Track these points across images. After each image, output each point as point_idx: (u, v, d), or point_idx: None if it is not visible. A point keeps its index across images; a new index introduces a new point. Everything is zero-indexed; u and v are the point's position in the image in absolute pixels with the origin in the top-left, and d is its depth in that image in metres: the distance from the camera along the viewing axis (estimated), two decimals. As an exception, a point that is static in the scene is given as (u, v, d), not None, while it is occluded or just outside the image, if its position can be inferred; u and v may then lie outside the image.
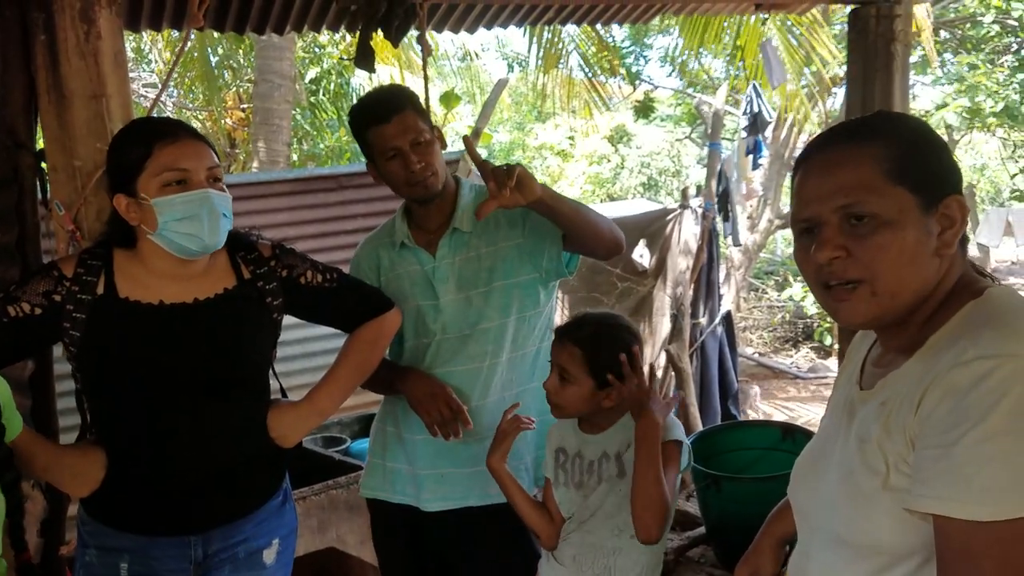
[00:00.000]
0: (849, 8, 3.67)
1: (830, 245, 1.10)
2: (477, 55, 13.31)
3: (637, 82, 12.96)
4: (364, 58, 2.76)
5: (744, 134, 5.87)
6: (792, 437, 2.18)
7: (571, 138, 17.82)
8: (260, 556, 1.87)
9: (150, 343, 1.72)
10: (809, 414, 7.97)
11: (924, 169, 1.11)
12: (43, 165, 2.46)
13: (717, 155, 5.16)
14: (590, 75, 9.38)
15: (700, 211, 4.86)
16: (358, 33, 2.78)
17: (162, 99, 10.91)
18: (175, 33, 3.31)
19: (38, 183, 2.49)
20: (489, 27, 3.73)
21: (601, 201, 16.08)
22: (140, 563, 1.76)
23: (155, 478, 1.75)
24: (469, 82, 13.77)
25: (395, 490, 2.27)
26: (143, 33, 3.46)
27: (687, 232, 4.84)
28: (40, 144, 2.48)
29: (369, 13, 2.63)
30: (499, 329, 2.18)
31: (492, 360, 2.18)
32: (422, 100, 2.40)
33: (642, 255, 5.29)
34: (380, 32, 2.73)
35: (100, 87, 2.35)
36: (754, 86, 6.15)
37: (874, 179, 1.09)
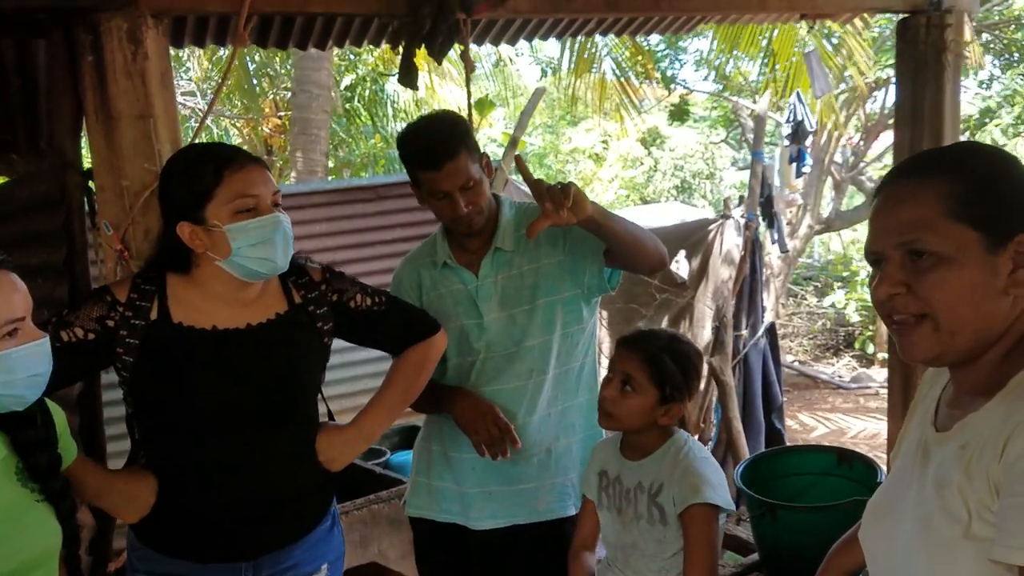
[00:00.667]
0: (898, 17, 3.58)
1: (888, 281, 1.10)
2: (511, 60, 13.30)
3: (672, 85, 12.85)
4: (407, 75, 2.74)
5: (787, 142, 5.77)
6: (848, 463, 2.12)
7: (604, 141, 17.74)
8: None
9: (203, 369, 1.71)
10: (853, 427, 7.82)
11: (992, 206, 1.07)
12: (91, 185, 2.49)
13: (760, 163, 5.08)
14: (623, 79, 9.31)
15: (743, 221, 4.79)
16: (401, 49, 2.75)
17: (198, 107, 11.05)
18: (194, 47, 3.32)
19: (86, 202, 2.52)
20: (530, 39, 3.70)
21: (634, 204, 15.99)
22: None
23: (205, 505, 1.74)
24: (502, 86, 13.77)
25: (441, 509, 2.26)
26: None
27: (729, 242, 4.77)
28: (87, 164, 2.50)
29: (413, 30, 2.61)
30: (544, 346, 2.17)
31: (538, 377, 2.17)
32: (463, 114, 2.39)
33: (676, 263, 5.24)
34: (424, 48, 2.70)
35: (147, 107, 2.36)
36: (797, 94, 6.05)
37: (934, 216, 1.07)
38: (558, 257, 2.17)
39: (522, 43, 3.83)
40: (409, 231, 5.38)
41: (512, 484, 2.18)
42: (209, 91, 11.70)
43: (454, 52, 3.02)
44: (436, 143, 2.05)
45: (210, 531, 1.74)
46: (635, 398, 1.86)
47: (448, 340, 2.18)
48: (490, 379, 2.18)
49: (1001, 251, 1.06)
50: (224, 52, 10.33)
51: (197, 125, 8.62)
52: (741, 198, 5.05)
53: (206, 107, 11.44)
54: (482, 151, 2.14)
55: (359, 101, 13.08)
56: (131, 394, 1.77)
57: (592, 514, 2.04)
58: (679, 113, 13.48)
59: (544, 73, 14.14)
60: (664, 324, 4.91)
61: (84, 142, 2.63)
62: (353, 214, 5.64)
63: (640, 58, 9.48)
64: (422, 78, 9.53)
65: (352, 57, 12.53)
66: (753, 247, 4.81)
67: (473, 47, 3.23)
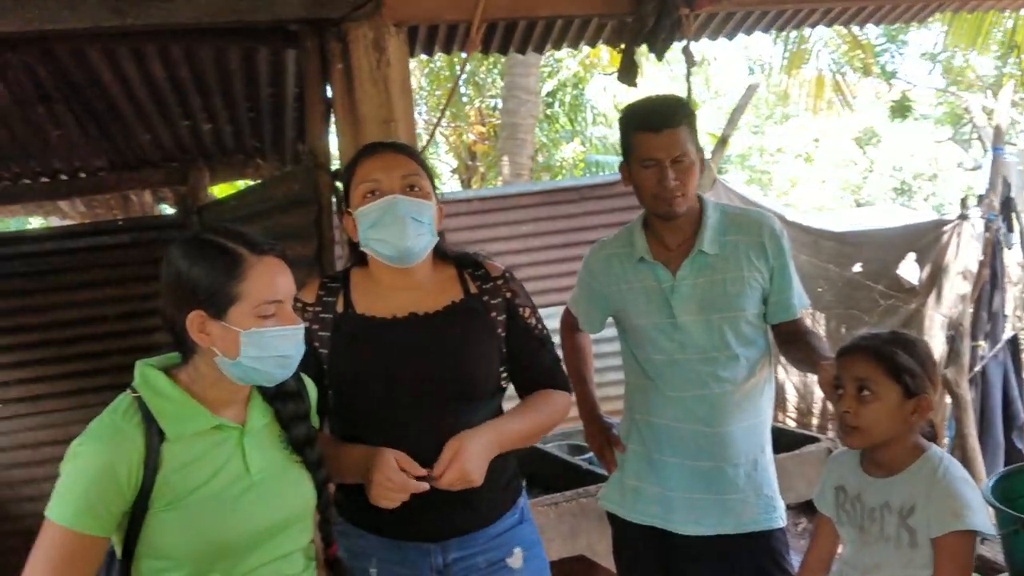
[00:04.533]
0: None
1: None
2: (715, 58, 13.00)
3: (892, 81, 12.01)
4: (628, 73, 2.76)
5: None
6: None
7: (815, 140, 16.87)
8: (504, 563, 1.86)
9: (385, 355, 1.78)
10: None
11: None
12: (338, 184, 2.70)
13: (1001, 160, 4.61)
14: (839, 74, 8.82)
15: (982, 222, 4.37)
16: (622, 48, 2.77)
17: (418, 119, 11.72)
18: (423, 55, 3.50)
19: (334, 201, 2.73)
20: (749, 32, 3.61)
21: (847, 208, 15.09)
22: (387, 565, 1.82)
23: None
24: (705, 85, 13.48)
25: (636, 510, 2.24)
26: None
27: (966, 245, 4.37)
28: (336, 165, 2.72)
29: (635, 28, 2.62)
30: (736, 356, 2.11)
31: (730, 387, 2.11)
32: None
33: (901, 268, 4.88)
34: (645, 46, 2.71)
35: (389, 112, 2.54)
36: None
37: None
38: (760, 272, 2.12)
39: (722, 41, 3.73)
40: (611, 232, 5.40)
41: (719, 493, 2.13)
42: (421, 101, 12.37)
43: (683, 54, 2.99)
44: (661, 108, 2.06)
45: (400, 511, 1.75)
46: (876, 402, 1.71)
47: (635, 337, 2.18)
48: (677, 385, 2.14)
49: None
50: (437, 63, 10.93)
51: (427, 133, 9.11)
52: (980, 198, 4.62)
53: (421, 115, 12.12)
54: (701, 146, 2.12)
55: (559, 106, 13.29)
56: (329, 385, 1.84)
57: (829, 534, 1.92)
58: (900, 110, 12.56)
59: (751, 71, 13.69)
60: (889, 333, 4.58)
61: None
62: (558, 215, 5.74)
63: (858, 52, 8.93)
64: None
65: (553, 63, 12.76)
66: (994, 250, 4.37)
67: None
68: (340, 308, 1.82)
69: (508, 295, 1.87)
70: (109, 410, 1.39)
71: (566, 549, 3.40)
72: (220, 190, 6.98)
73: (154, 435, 1.36)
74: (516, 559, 1.87)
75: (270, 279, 1.42)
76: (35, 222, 10.54)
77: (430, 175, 1.83)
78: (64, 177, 4.83)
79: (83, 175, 4.84)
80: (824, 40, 8.46)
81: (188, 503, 1.36)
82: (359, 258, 1.87)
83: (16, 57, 3.04)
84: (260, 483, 1.45)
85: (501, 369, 1.88)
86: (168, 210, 6.12)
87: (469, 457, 1.66)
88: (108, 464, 1.31)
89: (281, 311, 1.44)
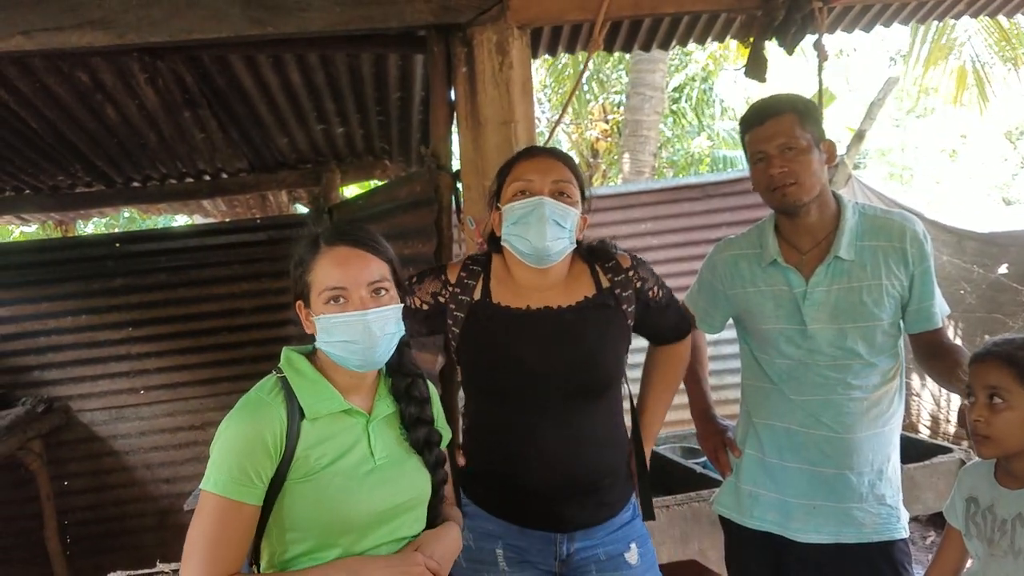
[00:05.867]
0: None
1: None
2: (855, 50, 12.41)
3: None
4: (756, 67, 2.67)
5: None
6: None
7: (962, 136, 15.84)
8: (623, 558, 1.90)
9: (518, 346, 1.84)
10: None
11: None
12: (458, 185, 2.76)
13: None
14: (986, 67, 8.24)
15: None
16: (750, 43, 2.69)
17: (537, 116, 11.77)
18: (546, 55, 3.51)
19: (454, 201, 2.79)
20: (887, 25, 3.43)
21: (994, 206, 14.11)
22: (513, 550, 1.88)
23: (519, 472, 1.85)
24: (844, 78, 12.90)
25: (752, 515, 2.18)
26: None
27: None
28: (456, 166, 2.78)
29: (765, 22, 2.54)
30: (869, 364, 2.03)
31: (859, 394, 2.03)
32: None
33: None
34: (775, 40, 2.62)
35: (510, 114, 2.57)
36: None
37: None
38: (900, 281, 2.02)
39: (858, 33, 3.55)
40: (735, 230, 5.26)
41: (840, 501, 2.06)
42: (545, 99, 12.42)
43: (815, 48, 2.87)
44: (767, 102, 2.03)
45: (525, 498, 1.86)
46: (1009, 410, 1.65)
47: (760, 340, 2.13)
48: (806, 390, 2.07)
49: None
50: (562, 61, 10.95)
51: (549, 130, 9.16)
52: None
53: (545, 114, 12.17)
54: (826, 136, 2.02)
55: (686, 101, 13.04)
56: (459, 362, 1.95)
57: (956, 547, 1.85)
58: (1058, 101, 11.61)
59: (893, 62, 12.99)
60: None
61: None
62: (679, 213, 5.65)
63: (1008, 43, 8.32)
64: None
65: (683, 57, 12.53)
66: None
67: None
68: (478, 295, 1.90)
69: (638, 284, 1.93)
70: (256, 388, 1.51)
71: (677, 553, 3.34)
72: (353, 190, 7.25)
73: (296, 411, 1.47)
74: (632, 555, 1.91)
75: (331, 268, 1.50)
76: (181, 220, 11.29)
77: (582, 186, 1.89)
78: (207, 178, 5.14)
79: (225, 176, 5.14)
80: (969, 31, 7.92)
81: (320, 477, 1.46)
82: (497, 247, 1.94)
83: (165, 65, 3.26)
84: (382, 467, 1.53)
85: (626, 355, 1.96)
86: (302, 209, 6.41)
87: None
88: (257, 433, 1.42)
89: (347, 297, 1.50)
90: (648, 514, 1.98)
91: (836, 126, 13.30)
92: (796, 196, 1.98)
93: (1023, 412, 1.64)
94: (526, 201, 1.81)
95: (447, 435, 1.73)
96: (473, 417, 1.95)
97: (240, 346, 4.90)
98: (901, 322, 2.06)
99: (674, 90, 12.82)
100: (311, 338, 1.55)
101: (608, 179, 12.69)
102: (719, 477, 2.33)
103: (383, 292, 1.52)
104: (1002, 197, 15.20)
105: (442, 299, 1.91)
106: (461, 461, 1.91)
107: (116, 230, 12.35)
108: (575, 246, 1.87)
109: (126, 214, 11.27)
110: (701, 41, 3.36)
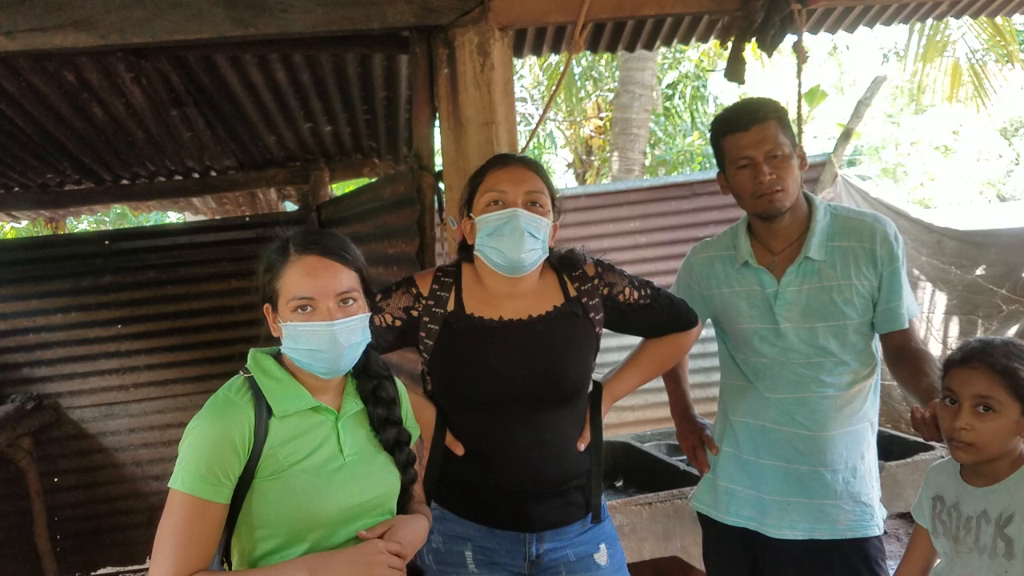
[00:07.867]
0: None
1: None
2: (848, 47, 12.43)
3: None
4: (735, 69, 2.70)
5: None
6: None
7: (955, 133, 15.87)
8: (592, 558, 1.93)
9: (492, 356, 1.86)
10: None
11: None
12: (440, 185, 2.78)
13: None
14: (980, 63, 8.25)
15: None
16: (730, 44, 2.71)
17: (528, 113, 11.76)
18: (531, 55, 3.53)
19: (436, 201, 2.81)
20: (871, 26, 3.45)
21: (989, 203, 14.15)
22: (482, 551, 1.91)
23: (493, 477, 1.88)
24: (839, 75, 12.91)
25: (729, 512, 2.22)
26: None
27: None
28: (439, 166, 2.79)
29: (744, 24, 2.56)
30: (841, 362, 2.07)
31: (833, 391, 2.07)
32: (793, 109, 2.30)
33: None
34: (754, 42, 2.64)
35: (491, 115, 2.59)
36: None
37: None
38: (869, 281, 2.05)
39: (861, 28, 3.57)
40: (724, 228, 5.28)
41: (814, 497, 2.10)
42: (539, 97, 12.42)
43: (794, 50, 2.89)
44: (747, 107, 2.05)
45: (496, 498, 1.89)
46: (996, 419, 1.65)
47: (737, 340, 2.17)
48: (779, 387, 2.11)
49: None
50: (554, 59, 10.94)
51: (530, 130, 9.18)
52: None
53: (537, 112, 12.17)
54: (799, 142, 2.07)
55: (680, 99, 13.06)
56: (430, 373, 1.96)
57: (924, 545, 1.88)
58: (1050, 99, 11.64)
59: (886, 59, 13.02)
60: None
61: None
62: (667, 211, 5.66)
63: (1001, 40, 8.33)
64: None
65: (677, 55, 12.52)
66: None
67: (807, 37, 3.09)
68: (451, 306, 1.91)
69: (604, 291, 1.95)
70: (223, 388, 1.53)
71: (659, 549, 3.38)
72: (340, 188, 7.26)
73: (263, 410, 1.49)
74: (602, 555, 1.95)
75: (300, 277, 1.52)
76: (172, 216, 11.28)
77: (552, 193, 1.91)
78: (196, 175, 5.15)
79: (214, 174, 5.15)
80: (962, 28, 7.93)
81: (288, 475, 1.48)
82: (468, 256, 1.95)
83: (149, 64, 3.27)
84: (351, 464, 1.56)
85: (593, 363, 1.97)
86: (291, 207, 6.41)
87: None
88: (224, 432, 1.44)
89: (315, 307, 1.51)
90: (596, 516, 1.98)
91: (828, 123, 13.34)
92: (782, 202, 2.03)
93: (1009, 420, 1.66)
94: (500, 213, 1.83)
95: (416, 433, 1.75)
96: (448, 425, 1.96)
97: (230, 343, 4.90)
98: (864, 327, 2.09)
99: (668, 87, 12.83)
100: (274, 336, 1.57)
101: (602, 176, 12.71)
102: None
103: (351, 302, 1.54)
104: (996, 194, 15.24)
105: (415, 312, 1.92)
106: (459, 451, 1.91)
107: (107, 225, 12.35)
108: (548, 254, 1.90)
109: (117, 210, 11.26)
110: (685, 42, 3.38)
